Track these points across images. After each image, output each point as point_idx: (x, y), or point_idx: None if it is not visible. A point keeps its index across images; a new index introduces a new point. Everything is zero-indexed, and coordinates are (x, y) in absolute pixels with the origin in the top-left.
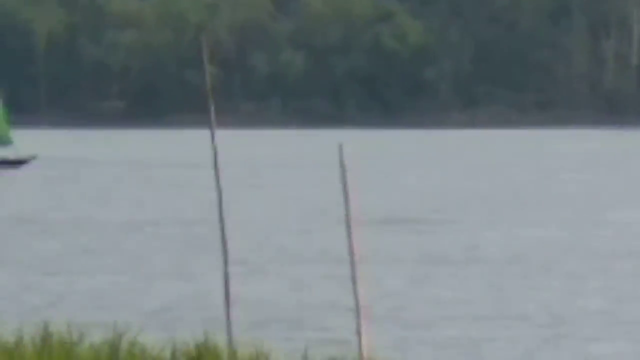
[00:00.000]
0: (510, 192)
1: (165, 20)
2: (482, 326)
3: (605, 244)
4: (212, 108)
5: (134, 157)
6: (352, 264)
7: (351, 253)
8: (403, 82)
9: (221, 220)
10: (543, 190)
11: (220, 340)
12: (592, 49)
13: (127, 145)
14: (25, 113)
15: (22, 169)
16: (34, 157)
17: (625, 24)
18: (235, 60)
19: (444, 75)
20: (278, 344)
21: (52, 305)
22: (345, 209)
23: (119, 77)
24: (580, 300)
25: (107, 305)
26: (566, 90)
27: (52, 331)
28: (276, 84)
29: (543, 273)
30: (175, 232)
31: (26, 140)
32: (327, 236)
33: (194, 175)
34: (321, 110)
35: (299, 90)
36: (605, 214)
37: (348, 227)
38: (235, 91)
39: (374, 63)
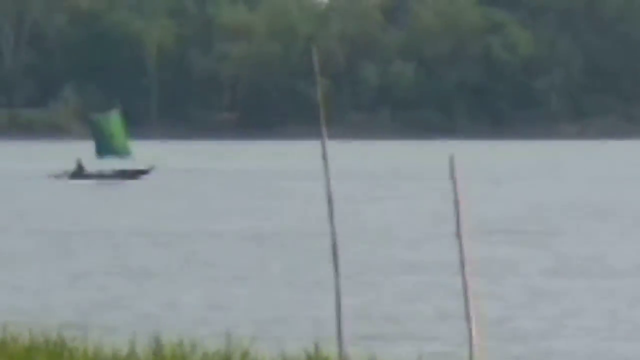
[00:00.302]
0: (624, 204)
1: (275, 31)
2: (603, 339)
3: None
4: (323, 119)
5: (247, 168)
6: (463, 274)
7: (462, 263)
8: (513, 92)
9: (332, 231)
10: None
11: (331, 352)
12: None
13: (240, 157)
14: (137, 125)
15: (141, 179)
16: (152, 168)
17: None
18: (345, 71)
19: (554, 86)
20: (390, 355)
21: (166, 315)
22: (456, 219)
23: (229, 88)
24: None
25: (220, 316)
26: None
27: (164, 342)
28: (386, 95)
29: None
30: (289, 242)
31: (141, 151)
32: (438, 247)
33: (306, 187)
34: (431, 121)
35: (408, 101)
36: None
37: (459, 237)
38: (345, 102)
39: (483, 74)
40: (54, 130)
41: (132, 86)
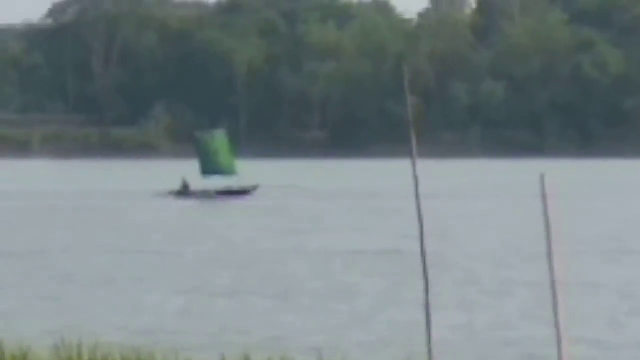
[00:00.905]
0: None
1: (365, 50)
2: None
3: None
4: (413, 138)
5: (341, 187)
6: (554, 294)
7: (553, 283)
8: (603, 111)
9: (423, 251)
10: None
11: None
12: None
13: (333, 175)
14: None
15: (246, 199)
16: (256, 187)
17: None
18: (435, 90)
19: None
20: None
21: (268, 332)
22: (547, 238)
23: (320, 107)
24: None
25: (312, 331)
26: None
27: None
28: (476, 114)
29: None
30: (382, 261)
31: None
32: (529, 267)
33: (398, 206)
34: (521, 139)
35: (499, 120)
36: None
37: (550, 256)
38: (436, 121)
39: (574, 92)
40: (144, 149)
41: (222, 105)
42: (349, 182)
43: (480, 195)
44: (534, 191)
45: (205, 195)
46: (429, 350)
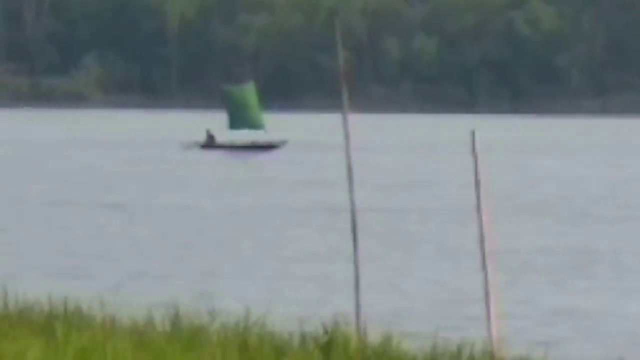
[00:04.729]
0: None
1: (297, 3)
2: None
3: None
4: (344, 92)
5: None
6: (483, 253)
7: (482, 242)
8: (535, 68)
9: (352, 203)
10: None
11: (351, 330)
12: None
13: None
14: (158, 95)
15: (272, 153)
16: (284, 142)
17: None
18: (367, 45)
19: (576, 62)
20: (408, 333)
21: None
22: (477, 196)
23: (251, 59)
24: None
25: (242, 288)
26: None
27: (182, 312)
28: (408, 69)
29: None
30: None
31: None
32: (458, 227)
33: (323, 158)
34: (452, 95)
35: (430, 75)
36: None
37: (479, 215)
38: (367, 75)
39: (506, 49)
40: (75, 99)
41: (153, 56)
42: (280, 134)
43: (408, 149)
44: (465, 147)
45: (231, 147)
46: (357, 307)
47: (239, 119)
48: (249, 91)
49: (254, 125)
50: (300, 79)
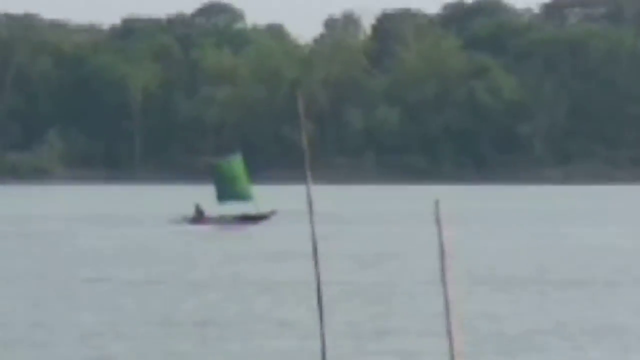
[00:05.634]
0: (613, 249)
1: (259, 75)
2: None
3: None
4: (308, 163)
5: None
6: (448, 321)
7: (447, 310)
8: (497, 137)
9: (317, 279)
10: None
11: None
12: None
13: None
14: (121, 168)
15: (263, 224)
16: (274, 213)
17: None
18: (329, 116)
19: (538, 130)
20: None
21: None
22: (442, 265)
23: (214, 132)
24: None
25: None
26: None
27: None
28: (371, 140)
29: None
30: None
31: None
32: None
33: (295, 230)
34: (416, 165)
35: (393, 145)
36: None
37: (444, 284)
38: (330, 146)
39: (468, 118)
40: (38, 174)
41: (116, 130)
42: (247, 208)
43: (372, 220)
44: (428, 216)
45: (220, 221)
46: None
47: (227, 192)
48: (237, 163)
49: (243, 196)
50: (263, 151)
